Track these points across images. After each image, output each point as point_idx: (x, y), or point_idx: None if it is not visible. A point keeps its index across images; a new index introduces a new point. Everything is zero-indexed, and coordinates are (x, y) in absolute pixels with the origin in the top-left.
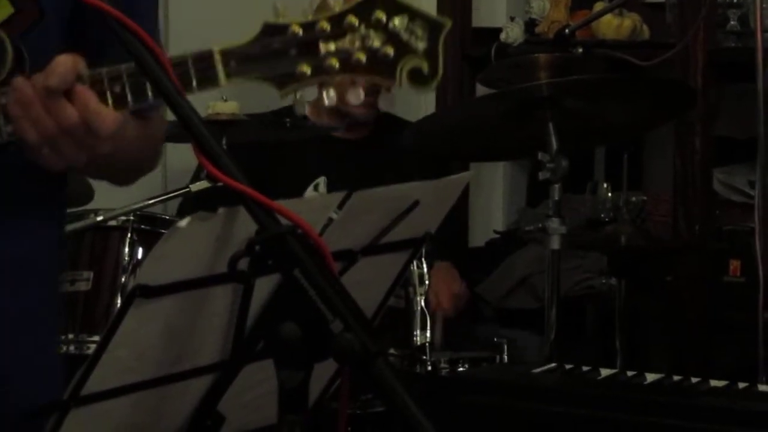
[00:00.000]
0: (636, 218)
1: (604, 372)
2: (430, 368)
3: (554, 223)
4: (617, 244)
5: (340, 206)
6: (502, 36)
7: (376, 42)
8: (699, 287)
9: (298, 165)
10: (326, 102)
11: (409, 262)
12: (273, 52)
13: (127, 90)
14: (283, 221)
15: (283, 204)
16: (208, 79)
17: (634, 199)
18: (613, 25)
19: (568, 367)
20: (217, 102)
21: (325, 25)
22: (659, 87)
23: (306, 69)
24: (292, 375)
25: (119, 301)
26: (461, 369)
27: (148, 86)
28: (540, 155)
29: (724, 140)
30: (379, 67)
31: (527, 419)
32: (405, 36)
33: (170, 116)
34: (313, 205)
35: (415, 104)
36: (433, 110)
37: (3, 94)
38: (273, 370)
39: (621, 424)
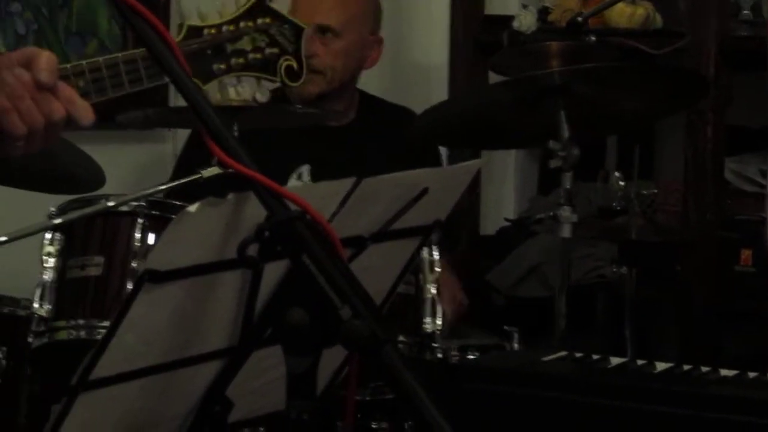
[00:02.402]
0: (647, 208)
1: (614, 361)
2: (440, 355)
3: (565, 212)
4: (628, 233)
5: (350, 193)
6: (515, 24)
7: (262, 44)
8: (709, 277)
9: (280, 153)
10: (230, 95)
11: (419, 249)
12: (193, 53)
13: (90, 85)
14: (293, 207)
15: (292, 190)
16: (136, 81)
17: (645, 191)
18: (626, 14)
19: (578, 355)
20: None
21: (230, 28)
22: (671, 75)
23: (220, 66)
24: (300, 361)
25: (130, 286)
26: (471, 356)
27: (108, 82)
28: (551, 143)
29: (736, 129)
30: (266, 66)
31: (537, 407)
32: (280, 39)
33: (182, 101)
34: (323, 191)
35: (427, 90)
36: (445, 97)
37: None
38: (281, 356)
39: (630, 412)
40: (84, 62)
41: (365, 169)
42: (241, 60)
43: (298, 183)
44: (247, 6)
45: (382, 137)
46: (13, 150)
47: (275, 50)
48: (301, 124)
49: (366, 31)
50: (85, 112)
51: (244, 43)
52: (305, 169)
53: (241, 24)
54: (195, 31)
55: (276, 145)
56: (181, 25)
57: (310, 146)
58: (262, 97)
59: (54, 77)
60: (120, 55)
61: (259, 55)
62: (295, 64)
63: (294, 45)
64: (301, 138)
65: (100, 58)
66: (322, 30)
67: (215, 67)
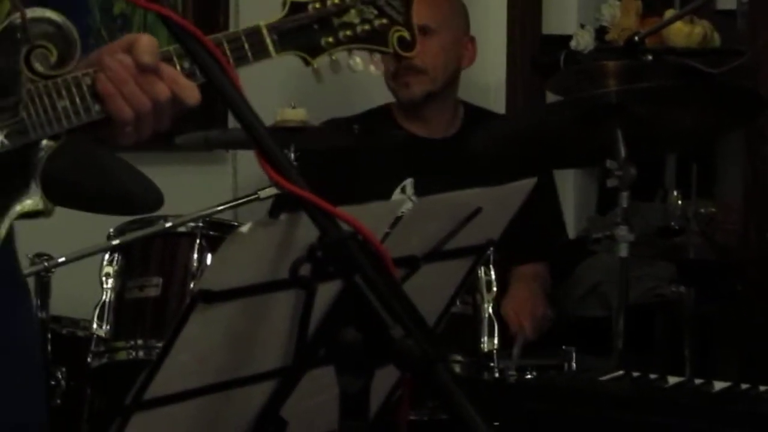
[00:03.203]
0: (706, 227)
1: (672, 380)
2: (497, 375)
3: (622, 231)
4: (686, 253)
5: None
6: (572, 43)
7: (371, 15)
8: None
9: (384, 169)
10: (358, 68)
11: (473, 268)
12: (301, 27)
13: (195, 66)
14: (345, 227)
15: (344, 210)
16: (260, 52)
17: (703, 210)
18: (684, 32)
19: (635, 374)
20: (285, 109)
21: (335, 1)
22: (729, 94)
23: (328, 40)
24: (353, 381)
25: None
26: (529, 376)
27: None
28: (608, 162)
29: None
30: (377, 37)
31: (595, 427)
32: (388, 9)
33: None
34: (375, 211)
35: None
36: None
37: (86, 75)
38: (335, 376)
39: (687, 430)
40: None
41: (467, 182)
42: (348, 32)
43: (402, 196)
44: None
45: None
46: (125, 137)
47: (384, 21)
48: (360, 145)
49: (459, 29)
50: (190, 92)
51: (352, 16)
52: (409, 182)
53: None
54: (298, 7)
55: (381, 159)
56: (284, 3)
57: (414, 160)
58: (376, 71)
59: (155, 58)
60: (221, 35)
61: (367, 27)
62: (407, 34)
63: (404, 15)
64: (405, 151)
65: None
66: (419, 30)
67: (323, 41)
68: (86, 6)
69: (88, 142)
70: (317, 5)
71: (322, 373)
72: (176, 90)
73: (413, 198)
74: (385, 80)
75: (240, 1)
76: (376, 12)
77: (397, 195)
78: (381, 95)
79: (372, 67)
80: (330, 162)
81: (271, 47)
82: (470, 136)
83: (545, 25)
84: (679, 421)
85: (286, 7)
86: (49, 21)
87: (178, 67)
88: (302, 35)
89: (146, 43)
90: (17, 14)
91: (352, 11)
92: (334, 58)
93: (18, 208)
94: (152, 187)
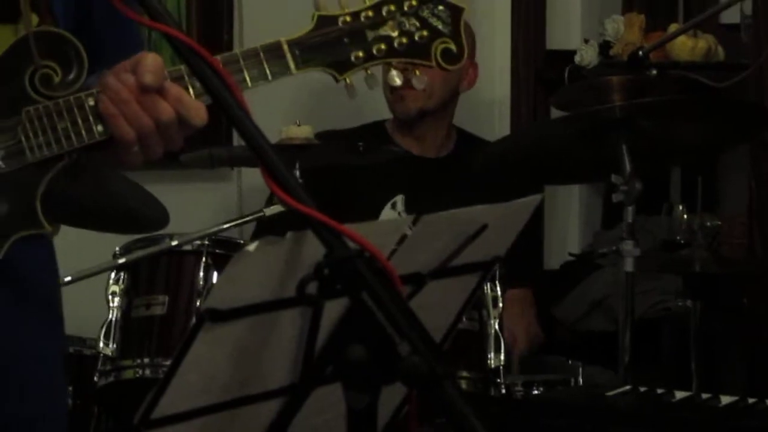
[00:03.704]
0: (712, 241)
1: (679, 395)
2: (504, 391)
3: (628, 246)
4: (692, 266)
5: (410, 229)
6: (577, 58)
7: (411, 27)
8: None
9: (377, 183)
10: (396, 82)
11: (480, 285)
12: (329, 42)
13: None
14: (352, 245)
15: (351, 228)
16: (280, 68)
17: (709, 223)
18: (688, 47)
19: (642, 389)
20: (290, 126)
21: (369, 14)
22: (734, 108)
23: (359, 54)
24: (360, 397)
25: None
26: (536, 392)
27: None
28: (613, 177)
29: None
30: (417, 50)
31: None
32: (433, 21)
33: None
34: (382, 228)
35: (490, 125)
36: (508, 132)
37: (90, 96)
38: (342, 393)
39: None
40: None
41: (457, 202)
42: (383, 46)
43: (393, 212)
44: None
45: (475, 170)
46: (133, 158)
47: (426, 32)
48: (364, 163)
49: None
50: (195, 112)
51: (388, 29)
52: (399, 199)
53: (384, 9)
54: (326, 21)
55: (372, 175)
56: (312, 16)
57: (406, 177)
58: (419, 84)
59: (158, 78)
60: (238, 51)
61: (405, 39)
62: (453, 47)
63: (451, 27)
64: (396, 169)
65: (218, 56)
66: None
67: (353, 55)
68: (142, 44)
69: (94, 163)
70: (348, 18)
71: (330, 390)
72: (181, 110)
73: (403, 214)
74: (384, 92)
75: (245, 20)
76: (418, 24)
77: (387, 211)
78: (386, 112)
79: (414, 81)
80: (324, 177)
81: (291, 63)
82: (472, 153)
83: (549, 41)
84: None
85: (313, 21)
86: (61, 39)
87: (189, 87)
88: (329, 50)
89: (149, 63)
90: (25, 33)
91: (389, 23)
92: (369, 72)
93: (19, 231)
94: (157, 205)
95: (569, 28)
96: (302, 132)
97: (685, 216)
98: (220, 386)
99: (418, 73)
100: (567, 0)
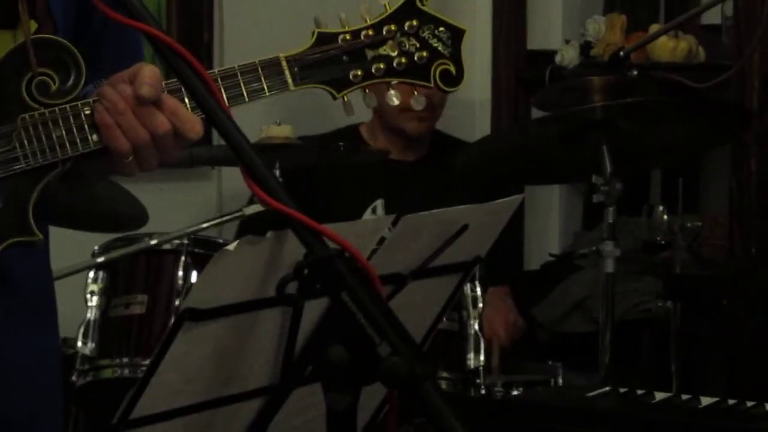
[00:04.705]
0: (692, 242)
1: (659, 396)
2: (484, 392)
3: (608, 247)
4: (673, 268)
5: (390, 229)
6: (557, 59)
7: (411, 48)
8: (754, 310)
9: (356, 187)
10: (393, 102)
11: (460, 285)
12: (328, 59)
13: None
14: (332, 245)
15: (330, 228)
16: (278, 84)
17: (689, 225)
18: (669, 48)
19: (622, 390)
20: (270, 126)
21: (369, 33)
22: (715, 109)
23: (357, 73)
24: (340, 398)
25: None
26: (516, 393)
27: (224, 94)
28: (594, 178)
29: None
30: (416, 71)
31: None
32: (434, 42)
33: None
34: (362, 229)
35: (470, 126)
36: (488, 132)
37: (86, 105)
38: (322, 394)
39: None
40: None
41: (436, 203)
42: (382, 65)
43: (373, 216)
44: (393, 9)
45: (453, 171)
46: (128, 169)
47: (426, 53)
48: (343, 162)
49: None
50: (191, 125)
51: (388, 48)
52: (379, 203)
53: (384, 28)
54: (326, 38)
55: (352, 179)
56: (312, 33)
57: (384, 181)
58: (417, 105)
59: (155, 91)
60: (236, 66)
61: (405, 60)
62: (453, 68)
63: (451, 48)
64: (375, 173)
65: (216, 69)
66: None
67: (351, 74)
68: (142, 53)
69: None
70: (348, 36)
71: (310, 390)
72: (177, 123)
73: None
74: (388, 109)
75: (225, 21)
76: (417, 44)
77: (368, 215)
78: (363, 114)
79: (412, 101)
80: (304, 182)
81: (290, 80)
82: (448, 154)
83: (530, 41)
84: None
85: (313, 38)
86: (59, 47)
87: (186, 100)
88: (328, 68)
89: (147, 75)
90: (23, 40)
91: (389, 43)
92: (368, 91)
93: (10, 238)
94: (136, 203)
95: (550, 29)
96: (282, 131)
97: (666, 217)
98: (200, 386)
99: (416, 93)
100: (548, 0)
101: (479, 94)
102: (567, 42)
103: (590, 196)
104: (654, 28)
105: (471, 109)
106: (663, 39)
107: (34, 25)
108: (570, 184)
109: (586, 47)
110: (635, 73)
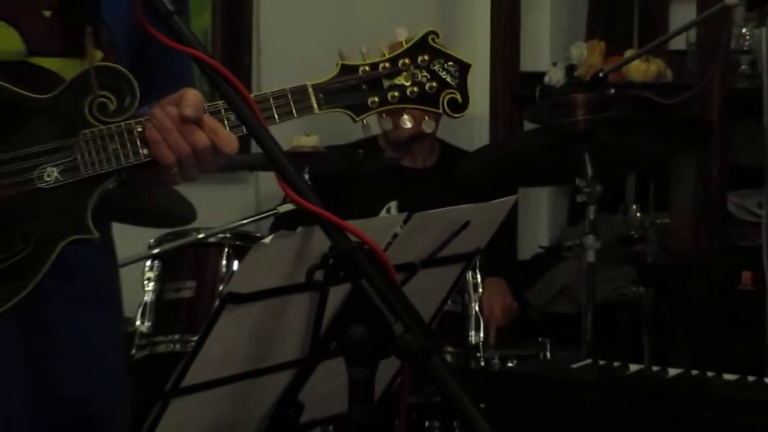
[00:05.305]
0: (662, 236)
1: (633, 367)
2: (483, 364)
3: (590, 240)
4: (645, 258)
5: (403, 225)
6: (546, 78)
7: (423, 79)
8: (716, 295)
9: (373, 190)
10: (406, 125)
11: (463, 273)
12: (350, 87)
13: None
14: (353, 239)
15: (352, 224)
16: (305, 108)
17: (659, 221)
18: (641, 69)
19: (601, 363)
20: (300, 136)
21: (386, 66)
22: (681, 122)
23: (374, 100)
24: (360, 370)
25: None
26: (510, 365)
27: None
28: (577, 181)
29: (738, 168)
30: (427, 99)
31: (566, 407)
32: (443, 74)
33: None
34: (379, 225)
35: (471, 137)
36: (487, 142)
37: (138, 123)
38: (344, 366)
39: (645, 412)
40: None
41: (442, 205)
42: (396, 93)
43: (388, 216)
44: (409, 45)
45: (457, 177)
46: (173, 179)
47: (435, 84)
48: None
49: None
50: (226, 141)
51: (402, 79)
52: (393, 204)
53: (400, 61)
54: (348, 69)
55: (371, 184)
56: (337, 64)
57: (398, 185)
58: (428, 128)
59: (197, 112)
60: (269, 92)
61: (416, 89)
62: (459, 97)
63: (458, 80)
64: (391, 178)
65: (252, 95)
66: None
67: (369, 100)
68: (192, 78)
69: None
70: (367, 68)
71: (334, 363)
72: (215, 140)
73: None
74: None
75: (262, 47)
76: (429, 76)
77: (383, 214)
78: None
79: (424, 126)
80: (328, 187)
81: (315, 104)
82: (454, 162)
83: (522, 64)
84: (639, 402)
85: (337, 69)
86: (118, 74)
87: (225, 120)
88: (349, 95)
89: (190, 98)
90: (89, 66)
91: (404, 74)
92: (384, 115)
93: (71, 236)
94: (187, 203)
95: (540, 53)
96: (310, 141)
97: (639, 215)
98: (240, 359)
99: (427, 118)
100: (538, 28)
101: (479, 109)
102: (554, 64)
103: (574, 196)
104: (629, 52)
105: (472, 122)
106: (636, 62)
107: (99, 55)
108: (557, 186)
109: (570, 69)
110: (613, 91)
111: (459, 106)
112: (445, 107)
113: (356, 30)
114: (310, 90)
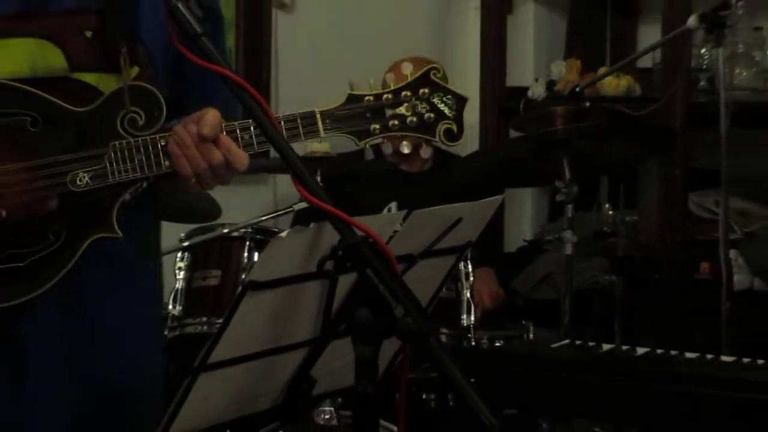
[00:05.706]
0: (631, 231)
1: (605, 347)
2: (473, 344)
3: (568, 234)
4: (616, 251)
5: (403, 222)
6: (529, 93)
7: (422, 110)
8: (678, 283)
9: (376, 192)
10: (405, 151)
11: (456, 263)
12: (355, 115)
13: (253, 138)
14: (359, 233)
15: (358, 220)
16: (311, 132)
17: (629, 218)
18: (613, 84)
19: (577, 342)
20: (313, 143)
21: (389, 97)
22: (648, 131)
23: (376, 127)
24: (365, 349)
25: None
26: (498, 344)
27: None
28: (557, 183)
29: (698, 171)
30: (424, 128)
31: (546, 382)
32: (441, 106)
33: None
34: (382, 221)
35: (463, 143)
36: (477, 148)
37: (162, 138)
38: (352, 345)
39: (616, 385)
40: (249, 120)
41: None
42: (397, 122)
43: (390, 213)
44: (411, 78)
45: (451, 179)
46: (192, 188)
47: (433, 115)
48: (370, 171)
49: None
50: (239, 159)
51: (403, 109)
52: (394, 204)
53: (402, 93)
54: (355, 98)
55: (373, 185)
56: (345, 93)
57: (398, 187)
58: (425, 154)
59: (214, 131)
60: (281, 116)
61: (415, 119)
62: (454, 128)
63: (455, 112)
64: (391, 181)
65: None
66: None
67: (372, 127)
68: (224, 99)
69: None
70: (371, 99)
71: (342, 343)
72: (229, 157)
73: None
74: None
75: (280, 64)
76: (428, 107)
77: (385, 212)
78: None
79: (422, 152)
80: (336, 187)
81: (321, 129)
82: (447, 166)
83: (509, 79)
84: (610, 377)
85: (344, 98)
86: (148, 92)
87: (239, 139)
88: (353, 121)
89: (209, 118)
90: (122, 85)
91: (405, 105)
92: (386, 141)
93: (96, 234)
94: (213, 201)
95: (524, 70)
96: (322, 147)
97: (611, 212)
98: (259, 339)
99: (425, 145)
100: (522, 48)
101: (469, 119)
102: (537, 80)
103: (554, 196)
104: (602, 69)
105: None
106: (609, 78)
107: (135, 70)
108: (539, 187)
109: (551, 84)
110: (588, 104)
111: (454, 136)
112: (441, 136)
113: (360, 47)
114: (318, 116)
